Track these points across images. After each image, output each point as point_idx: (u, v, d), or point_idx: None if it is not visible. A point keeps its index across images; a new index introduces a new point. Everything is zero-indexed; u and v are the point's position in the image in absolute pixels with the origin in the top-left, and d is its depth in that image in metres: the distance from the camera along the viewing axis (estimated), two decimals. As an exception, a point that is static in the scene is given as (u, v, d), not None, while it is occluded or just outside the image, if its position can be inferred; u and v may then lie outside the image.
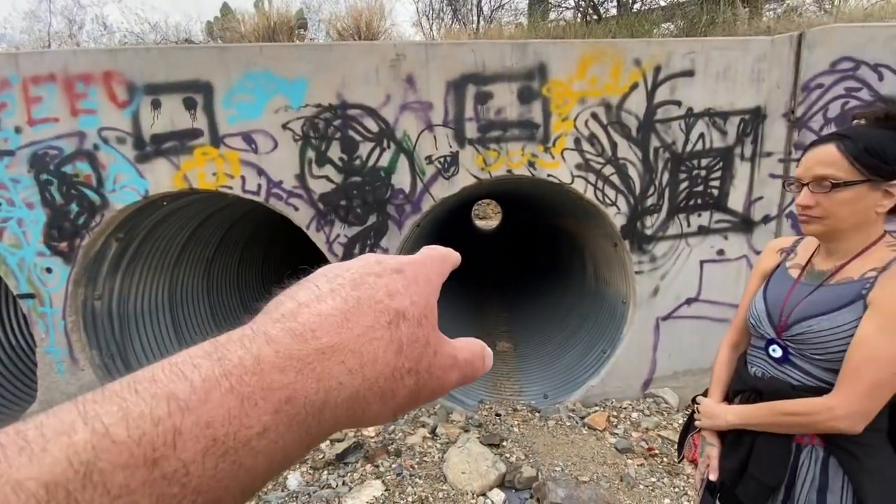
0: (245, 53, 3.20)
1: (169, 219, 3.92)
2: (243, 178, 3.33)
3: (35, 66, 3.15)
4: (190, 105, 3.20)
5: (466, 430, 3.51)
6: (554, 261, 7.12)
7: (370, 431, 3.33)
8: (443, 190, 3.46)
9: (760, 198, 3.57)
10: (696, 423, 1.43)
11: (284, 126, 3.28)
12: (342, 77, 3.25)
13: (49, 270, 3.36)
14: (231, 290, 5.59)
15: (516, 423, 3.71)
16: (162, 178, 3.28)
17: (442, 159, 3.41)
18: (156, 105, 3.19)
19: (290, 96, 3.25)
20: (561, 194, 3.80)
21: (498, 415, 3.86)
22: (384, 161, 3.39)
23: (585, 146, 3.42)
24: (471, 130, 3.36)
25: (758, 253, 3.43)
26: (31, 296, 3.39)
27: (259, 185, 3.35)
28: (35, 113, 3.18)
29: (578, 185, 3.46)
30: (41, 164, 3.23)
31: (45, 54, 3.24)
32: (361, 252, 3.47)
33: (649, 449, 3.22)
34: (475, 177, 3.45)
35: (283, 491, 2.88)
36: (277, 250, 6.74)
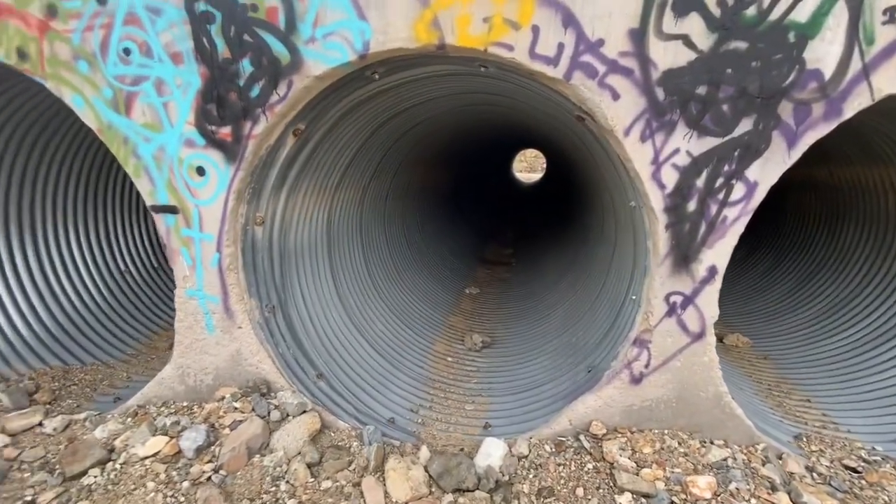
0: None
1: (352, 114, 2.56)
2: (535, 29, 1.85)
3: None
4: None
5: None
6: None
7: (704, 490, 1.96)
8: (896, 78, 1.84)
9: None
10: None
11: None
12: None
13: (201, 172, 2.11)
14: (380, 226, 4.32)
15: (905, 493, 2.24)
16: (396, 20, 1.86)
17: (916, 15, 1.77)
18: None
19: None
20: None
21: (854, 471, 2.40)
22: (803, 12, 1.79)
23: None
24: None
25: None
26: (171, 209, 2.17)
27: (560, 46, 1.86)
28: None
29: None
30: (198, -14, 1.89)
31: None
32: (708, 188, 1.96)
33: None
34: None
35: None
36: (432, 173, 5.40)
